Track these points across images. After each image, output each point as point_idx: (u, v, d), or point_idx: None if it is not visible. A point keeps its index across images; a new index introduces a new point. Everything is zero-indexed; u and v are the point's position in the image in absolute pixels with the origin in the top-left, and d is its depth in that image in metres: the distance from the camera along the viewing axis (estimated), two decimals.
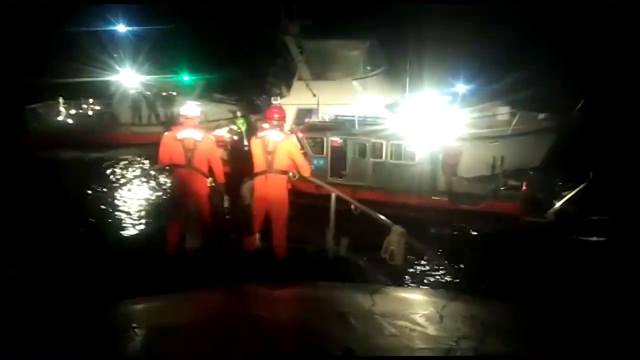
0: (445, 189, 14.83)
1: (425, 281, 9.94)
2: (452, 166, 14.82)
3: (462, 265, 11.19)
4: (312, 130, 16.07)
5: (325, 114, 17.49)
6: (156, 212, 14.86)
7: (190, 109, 6.42)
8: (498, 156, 16.10)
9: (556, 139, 16.63)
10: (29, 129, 24.57)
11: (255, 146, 6.15)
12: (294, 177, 6.33)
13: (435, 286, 8.11)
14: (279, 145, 6.06)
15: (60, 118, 25.95)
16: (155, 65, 26.58)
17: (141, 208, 15.70)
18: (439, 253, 11.45)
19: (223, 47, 30.95)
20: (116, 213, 15.16)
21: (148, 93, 26.33)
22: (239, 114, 19.57)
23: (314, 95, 17.87)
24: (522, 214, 13.93)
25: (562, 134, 16.63)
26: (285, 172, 6.14)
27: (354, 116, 15.95)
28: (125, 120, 26.00)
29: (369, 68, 17.95)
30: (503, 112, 17.23)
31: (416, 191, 14.35)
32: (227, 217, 7.13)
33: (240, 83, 26.66)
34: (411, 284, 9.43)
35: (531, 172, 15.56)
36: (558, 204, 13.84)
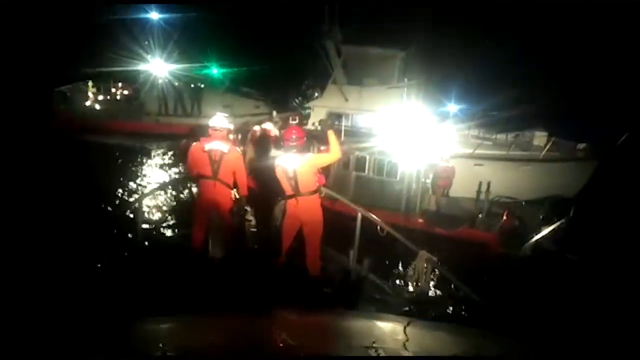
0: (431, 209, 14.30)
1: (450, 311, 9.62)
2: (443, 187, 14.29)
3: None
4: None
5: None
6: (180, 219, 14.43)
7: (219, 120, 6.41)
8: (527, 180, 15.92)
9: (596, 170, 16.14)
10: (56, 111, 24.76)
11: (278, 172, 6.06)
12: (321, 193, 6.18)
13: (463, 318, 7.90)
14: (297, 170, 5.95)
15: (88, 103, 25.99)
16: (185, 55, 26.50)
17: (167, 214, 15.33)
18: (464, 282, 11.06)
19: (256, 41, 30.74)
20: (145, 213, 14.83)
21: (176, 83, 26.27)
22: (274, 113, 19.71)
23: (346, 100, 17.73)
24: (496, 245, 13.26)
25: (603, 167, 16.14)
26: (314, 192, 6.04)
27: (347, 125, 15.66)
28: (151, 110, 25.97)
29: (404, 78, 17.71)
30: (540, 136, 16.86)
31: (393, 209, 13.81)
32: (252, 230, 7.06)
33: (271, 78, 26.56)
34: (438, 314, 9.20)
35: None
36: (534, 238, 13.13)
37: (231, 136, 8.86)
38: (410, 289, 6.67)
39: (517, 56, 25.31)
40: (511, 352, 3.96)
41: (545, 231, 13.21)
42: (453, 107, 17.80)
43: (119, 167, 19.54)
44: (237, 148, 6.64)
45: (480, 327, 4.67)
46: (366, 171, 14.41)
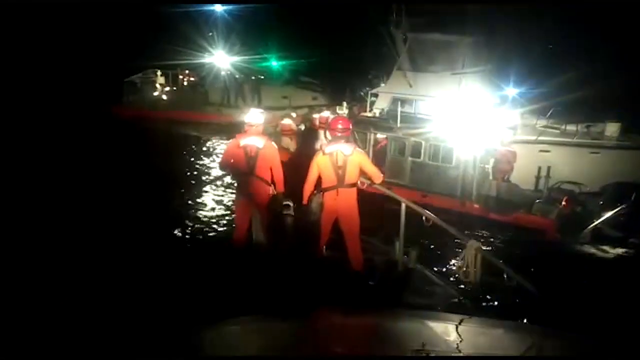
0: (491, 194, 14.03)
1: (503, 306, 8.77)
2: (503, 172, 13.95)
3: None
4: (359, 125, 15.81)
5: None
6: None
7: (254, 116, 6.36)
8: (596, 167, 15.54)
9: None
10: (124, 100, 26.04)
11: (323, 162, 5.91)
12: (364, 185, 6.13)
13: (518, 314, 7.50)
14: (349, 159, 5.86)
15: (156, 93, 27.11)
16: (246, 47, 27.24)
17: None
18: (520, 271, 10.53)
19: (315, 32, 31.19)
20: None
21: (237, 75, 27.03)
22: (344, 103, 20.10)
23: (410, 86, 17.89)
24: (553, 231, 13.04)
25: None
26: (354, 185, 5.98)
27: (404, 112, 15.65)
28: (215, 100, 26.83)
29: (470, 65, 17.71)
30: (612, 125, 16.41)
31: (449, 194, 13.89)
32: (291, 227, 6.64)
33: (330, 69, 26.90)
34: (492, 310, 8.65)
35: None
36: (593, 224, 12.89)
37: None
38: (461, 280, 6.34)
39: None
40: (576, 350, 3.65)
41: (606, 216, 12.95)
42: (515, 92, 17.62)
43: (181, 157, 20.27)
44: (273, 143, 6.47)
45: (538, 322, 4.47)
46: (422, 156, 14.50)
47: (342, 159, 5.86)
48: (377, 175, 6.08)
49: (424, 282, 6.45)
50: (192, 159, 20.33)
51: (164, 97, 27.05)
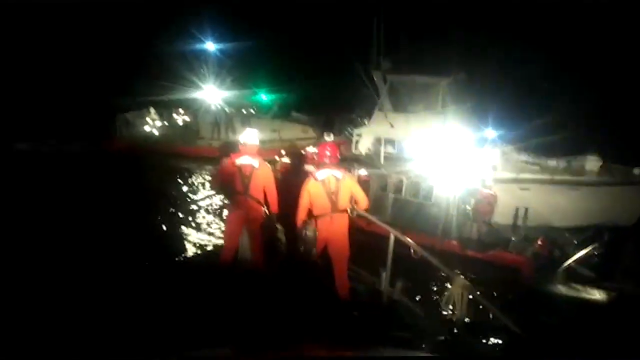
0: (472, 237, 14.30)
1: (487, 342, 8.63)
2: (484, 213, 14.26)
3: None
4: (344, 162, 16.14)
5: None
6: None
7: (249, 136, 6.43)
8: (576, 205, 15.75)
9: None
10: (116, 135, 26.43)
11: (315, 188, 5.90)
12: (352, 213, 6.16)
13: (501, 351, 7.47)
14: (342, 183, 5.89)
15: (147, 128, 27.62)
16: (237, 82, 27.70)
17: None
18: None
19: (303, 66, 31.79)
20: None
21: (227, 110, 27.46)
22: (326, 135, 20.46)
23: (392, 126, 18.23)
24: (528, 270, 13.22)
25: None
26: (346, 210, 6.01)
27: (387, 152, 16.19)
28: (205, 134, 27.24)
29: (449, 104, 18.07)
30: (592, 160, 16.66)
31: (428, 232, 14.00)
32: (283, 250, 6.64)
33: (318, 103, 27.33)
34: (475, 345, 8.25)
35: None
36: (566, 263, 13.00)
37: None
38: (445, 315, 6.41)
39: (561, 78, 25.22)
40: None
41: (577, 255, 13.08)
42: (493, 132, 18.05)
43: (168, 184, 20.92)
44: (267, 163, 6.52)
45: None
46: (403, 193, 14.82)
47: (334, 184, 5.91)
48: (365, 200, 6.15)
49: (408, 315, 6.44)
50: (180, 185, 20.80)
51: (155, 132, 27.51)
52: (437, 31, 18.46)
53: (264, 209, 6.40)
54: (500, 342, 7.54)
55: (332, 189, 5.89)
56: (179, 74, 26.08)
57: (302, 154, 10.22)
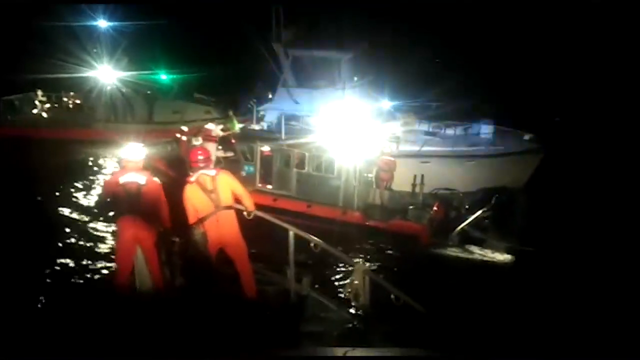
0: (375, 202, 14.99)
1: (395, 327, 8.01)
2: (385, 180, 15.04)
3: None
4: (245, 138, 16.25)
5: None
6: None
7: (133, 152, 6.01)
8: (471, 175, 16.69)
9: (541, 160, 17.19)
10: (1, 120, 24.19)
11: (193, 191, 5.71)
12: (248, 215, 5.96)
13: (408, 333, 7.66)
14: (217, 178, 5.76)
15: (35, 111, 25.58)
16: (134, 62, 26.25)
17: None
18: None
19: (204, 45, 30.78)
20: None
21: (124, 90, 25.98)
22: (230, 113, 19.93)
23: (297, 103, 18.13)
24: (426, 236, 13.85)
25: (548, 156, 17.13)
26: (232, 207, 5.84)
27: (291, 125, 16.18)
28: (101, 117, 25.65)
29: (354, 78, 18.22)
30: (487, 127, 17.73)
31: (332, 204, 14.42)
32: (179, 262, 6.35)
33: (221, 83, 26.58)
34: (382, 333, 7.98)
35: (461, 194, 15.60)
36: (459, 227, 13.86)
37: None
38: (352, 303, 6.38)
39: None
40: None
41: (469, 219, 13.94)
42: (395, 103, 18.48)
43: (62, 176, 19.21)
44: (155, 178, 6.13)
45: (427, 342, 4.36)
46: (306, 167, 14.90)
47: (210, 183, 5.72)
48: (247, 196, 5.95)
49: (318, 309, 6.42)
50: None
51: (44, 114, 25.54)
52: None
53: (156, 225, 6.01)
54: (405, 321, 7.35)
55: (208, 187, 5.71)
56: (68, 51, 24.19)
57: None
